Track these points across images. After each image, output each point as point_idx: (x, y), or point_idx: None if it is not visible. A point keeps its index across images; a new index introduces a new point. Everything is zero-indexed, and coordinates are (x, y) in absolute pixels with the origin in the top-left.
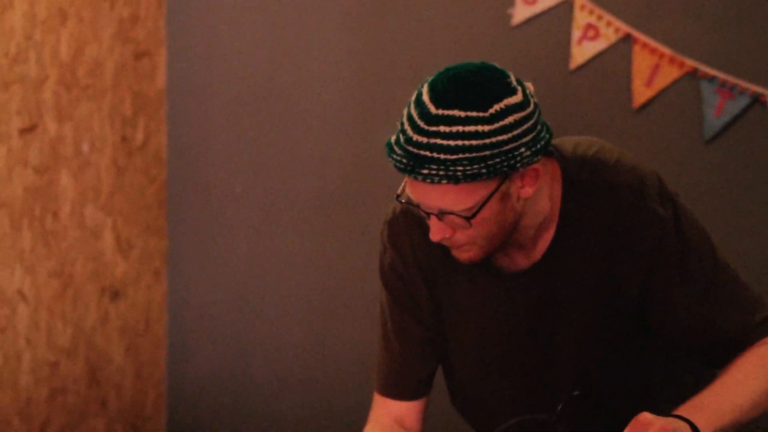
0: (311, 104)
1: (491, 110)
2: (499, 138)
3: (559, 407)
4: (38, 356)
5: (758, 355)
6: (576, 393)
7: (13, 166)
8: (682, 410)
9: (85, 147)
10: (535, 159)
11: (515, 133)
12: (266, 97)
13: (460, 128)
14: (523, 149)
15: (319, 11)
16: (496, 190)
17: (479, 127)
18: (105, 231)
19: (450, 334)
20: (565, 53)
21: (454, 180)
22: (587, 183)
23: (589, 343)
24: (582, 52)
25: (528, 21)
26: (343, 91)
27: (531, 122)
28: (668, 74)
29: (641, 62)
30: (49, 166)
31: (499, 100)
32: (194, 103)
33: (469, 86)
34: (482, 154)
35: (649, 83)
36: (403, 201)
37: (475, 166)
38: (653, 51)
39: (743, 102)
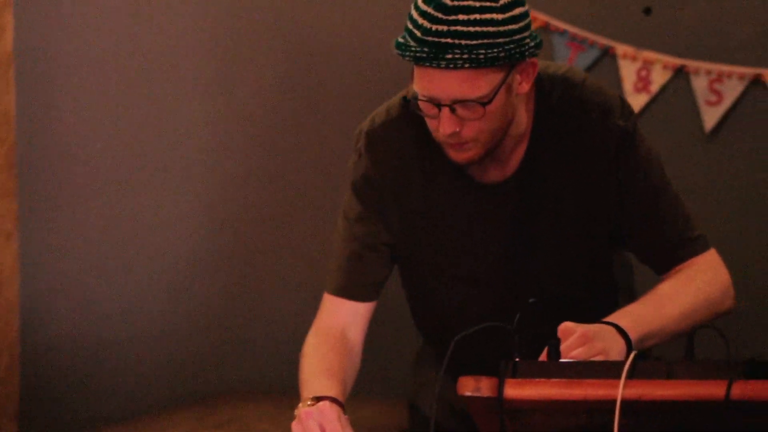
0: (163, 67)
1: (501, 1)
2: (511, 27)
3: (517, 316)
4: None
5: (687, 274)
6: (532, 300)
7: None
8: (610, 317)
9: None
10: (537, 51)
11: (522, 24)
12: (116, 58)
13: (477, 16)
14: (528, 40)
15: None
16: (505, 79)
17: (494, 15)
18: None
19: (422, 243)
20: None
21: (476, 63)
22: (558, 100)
23: (560, 254)
24: None
25: None
26: (195, 55)
27: (529, 18)
28: None
29: None
30: None
31: None
32: (43, 65)
33: None
34: (498, 40)
35: None
36: (411, 100)
37: (494, 50)
38: None
39: (594, 54)
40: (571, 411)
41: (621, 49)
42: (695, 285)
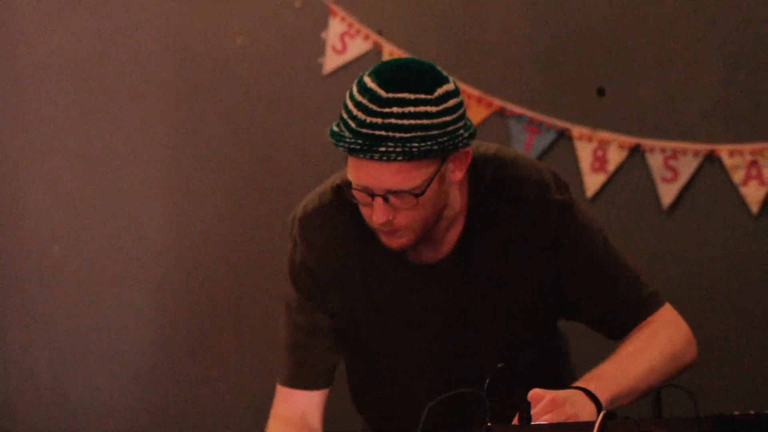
0: (123, 161)
1: (436, 93)
2: (445, 119)
3: (487, 380)
4: None
5: (649, 330)
6: (500, 365)
7: None
8: (579, 382)
9: None
10: (470, 141)
11: (455, 115)
12: (75, 150)
13: (411, 109)
14: (462, 131)
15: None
16: (438, 170)
17: (428, 108)
18: None
19: (362, 324)
20: None
21: (409, 156)
22: (491, 179)
23: (499, 330)
24: None
25: (338, 70)
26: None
27: (463, 108)
28: (477, 113)
29: None
30: None
31: (440, 85)
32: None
33: (414, 72)
34: (432, 132)
35: None
36: (344, 187)
37: (427, 143)
38: (461, 92)
39: (550, 137)
40: None
41: (577, 130)
42: (658, 340)
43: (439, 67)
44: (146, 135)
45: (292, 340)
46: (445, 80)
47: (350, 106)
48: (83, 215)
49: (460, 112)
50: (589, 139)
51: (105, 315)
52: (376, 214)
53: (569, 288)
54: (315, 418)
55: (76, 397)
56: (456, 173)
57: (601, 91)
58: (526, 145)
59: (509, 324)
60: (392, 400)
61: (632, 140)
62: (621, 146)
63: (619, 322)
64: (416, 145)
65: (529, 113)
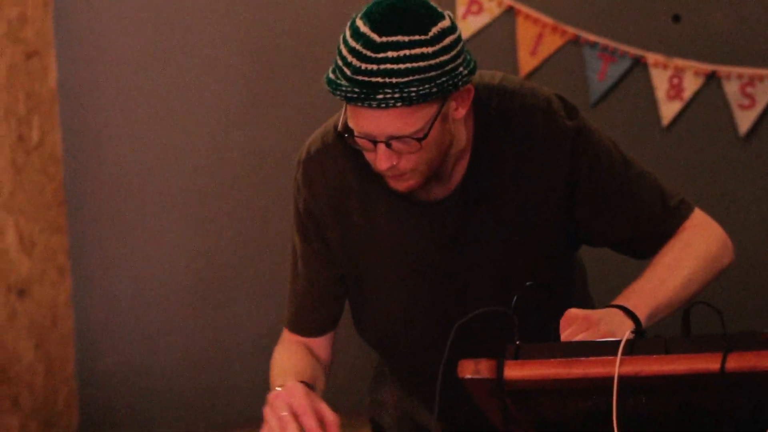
0: (203, 99)
1: (431, 33)
2: (442, 58)
3: (515, 298)
4: None
5: (683, 239)
6: (529, 284)
7: None
8: (616, 300)
9: None
10: (470, 78)
11: (453, 53)
12: (157, 93)
13: (407, 52)
14: (461, 68)
15: (207, 7)
16: (439, 111)
17: (424, 49)
18: (7, 230)
19: (367, 269)
20: None
21: (408, 102)
22: (497, 110)
23: (507, 264)
24: (467, 26)
25: None
26: (234, 84)
27: (461, 44)
28: (551, 43)
29: (525, 33)
30: None
31: (434, 23)
32: (87, 102)
33: (406, 13)
34: (430, 74)
35: (533, 52)
36: (345, 135)
37: (426, 86)
38: (536, 21)
39: (625, 64)
40: (573, 391)
41: (652, 57)
42: (694, 248)
43: (433, 3)
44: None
45: (297, 286)
46: (440, 17)
47: (344, 52)
48: (163, 148)
49: (458, 48)
50: (665, 67)
51: (178, 249)
52: (379, 160)
53: (590, 215)
54: (319, 352)
55: (155, 330)
56: (459, 111)
57: (676, 18)
58: (601, 73)
59: (517, 260)
60: (399, 339)
61: (708, 67)
62: (697, 73)
63: (648, 239)
64: (414, 89)
65: (603, 41)
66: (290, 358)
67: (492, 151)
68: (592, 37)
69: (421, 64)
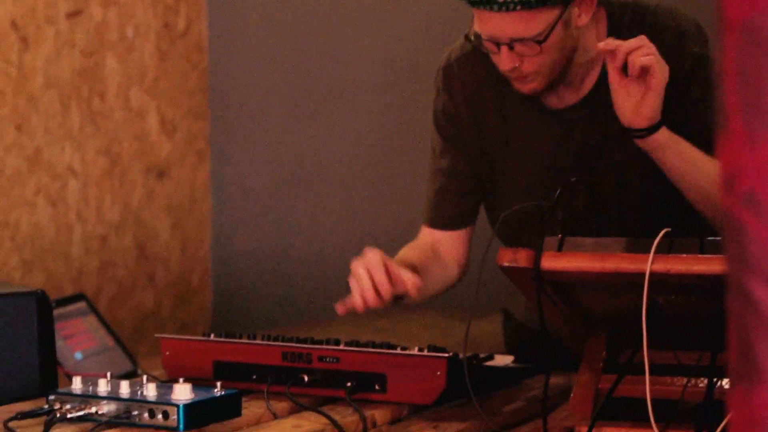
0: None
1: None
2: None
3: (557, 192)
4: (88, 230)
5: None
6: (573, 179)
7: (60, 48)
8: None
9: (130, 32)
10: None
11: None
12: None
13: None
14: None
15: None
16: (561, 16)
17: None
18: (150, 113)
19: (502, 170)
20: None
21: (528, 5)
22: (630, 24)
23: (631, 173)
24: None
25: None
26: None
27: None
28: None
29: None
30: (95, 50)
31: None
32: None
33: None
34: None
35: None
36: (471, 39)
37: None
38: None
39: None
40: (607, 286)
41: None
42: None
43: None
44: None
45: (434, 183)
46: None
47: None
48: (300, 41)
49: None
50: None
51: (317, 139)
52: (502, 62)
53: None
54: (449, 250)
55: (289, 216)
56: (582, 17)
57: None
58: None
59: (637, 172)
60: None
61: None
62: None
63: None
64: None
65: None
66: (402, 251)
67: None
68: None
69: None
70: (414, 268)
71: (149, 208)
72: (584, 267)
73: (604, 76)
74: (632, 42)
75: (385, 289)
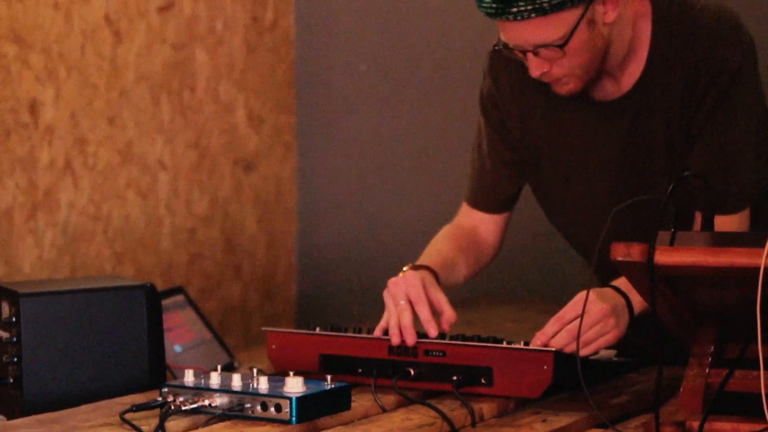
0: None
1: None
2: None
3: (671, 186)
4: (177, 222)
5: None
6: (686, 174)
7: (152, 42)
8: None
9: (219, 26)
10: None
11: None
12: None
13: None
14: None
15: None
16: (582, 16)
17: None
18: (238, 106)
19: (546, 158)
20: None
21: (542, 12)
22: (674, 20)
23: (674, 168)
24: None
25: None
26: None
27: None
28: None
29: None
30: (186, 44)
31: None
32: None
33: None
34: None
35: None
36: (500, 48)
37: None
38: None
39: None
40: (720, 280)
41: None
42: None
43: None
44: None
45: (477, 163)
46: None
47: None
48: (386, 34)
49: None
50: None
51: (403, 134)
52: (531, 68)
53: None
54: (488, 232)
55: (375, 211)
56: (609, 14)
57: None
58: None
59: (679, 163)
60: (577, 228)
61: None
62: None
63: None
64: (546, 0)
65: None
66: (441, 240)
67: (665, 57)
68: None
69: None
70: (446, 266)
71: (237, 201)
72: (698, 261)
73: (648, 69)
74: (558, 340)
75: (432, 325)
